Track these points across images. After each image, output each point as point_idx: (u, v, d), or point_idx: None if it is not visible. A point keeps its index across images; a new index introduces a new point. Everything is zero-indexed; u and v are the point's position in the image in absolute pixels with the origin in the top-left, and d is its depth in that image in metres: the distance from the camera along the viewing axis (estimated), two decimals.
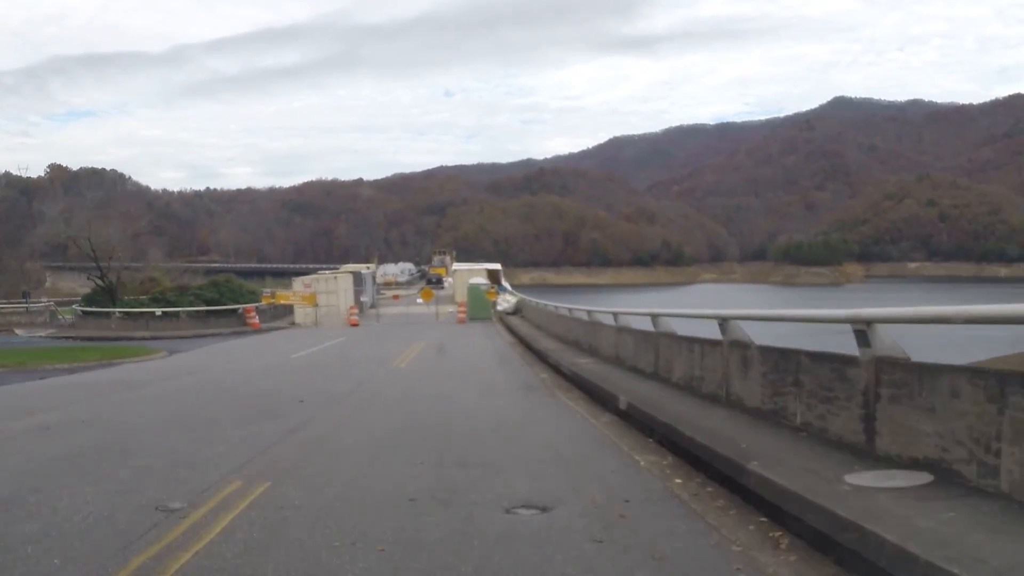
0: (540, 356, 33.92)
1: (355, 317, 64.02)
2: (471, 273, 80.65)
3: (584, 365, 26.21)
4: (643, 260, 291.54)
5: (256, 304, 67.32)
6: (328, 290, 67.72)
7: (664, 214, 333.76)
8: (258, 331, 61.96)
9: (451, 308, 72.21)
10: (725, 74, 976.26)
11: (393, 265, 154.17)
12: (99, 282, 70.53)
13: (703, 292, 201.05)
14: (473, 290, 67.83)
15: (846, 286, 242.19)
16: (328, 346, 43.76)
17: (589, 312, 32.23)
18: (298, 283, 69.48)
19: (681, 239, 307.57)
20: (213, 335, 58.06)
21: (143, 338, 56.41)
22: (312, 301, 65.20)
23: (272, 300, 67.64)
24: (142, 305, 66.36)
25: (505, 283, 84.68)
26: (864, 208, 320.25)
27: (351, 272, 75.46)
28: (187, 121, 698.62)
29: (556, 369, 28.66)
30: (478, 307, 66.45)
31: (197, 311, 64.98)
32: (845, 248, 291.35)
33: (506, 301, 68.44)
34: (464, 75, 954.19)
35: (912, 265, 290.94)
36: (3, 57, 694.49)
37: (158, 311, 63.91)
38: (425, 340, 45.69)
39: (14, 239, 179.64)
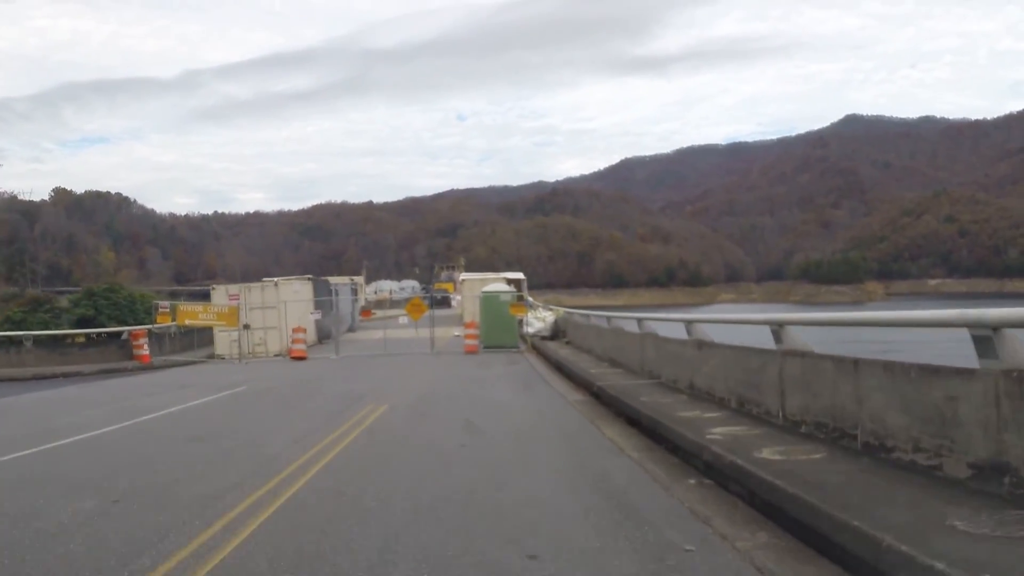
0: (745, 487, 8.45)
1: (301, 347, 38.30)
2: (484, 283, 53.56)
3: None
4: (659, 281, 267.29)
5: (151, 326, 40.66)
6: (265, 304, 41.70)
7: (679, 234, 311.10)
8: (148, 367, 37.83)
9: (456, 331, 47.48)
10: (737, 94, 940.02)
11: (391, 281, 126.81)
12: None
13: (739, 312, 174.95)
14: (489, 301, 41.60)
15: (868, 304, 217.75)
16: (153, 419, 19.12)
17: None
18: (220, 293, 43.28)
19: (697, 259, 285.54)
20: (66, 376, 34.60)
21: None
22: (232, 321, 39.25)
23: (169, 319, 40.64)
24: None
25: (529, 297, 58.49)
26: (881, 225, 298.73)
27: (309, 280, 48.88)
28: (200, 147, 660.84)
29: None
30: (498, 328, 40.52)
31: (55, 336, 39.33)
32: (865, 266, 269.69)
33: (539, 319, 43.16)
34: (477, 98, 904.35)
35: (932, 282, 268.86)
36: (16, 83, 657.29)
37: None
38: (388, 402, 20.81)
39: (16, 262, 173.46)
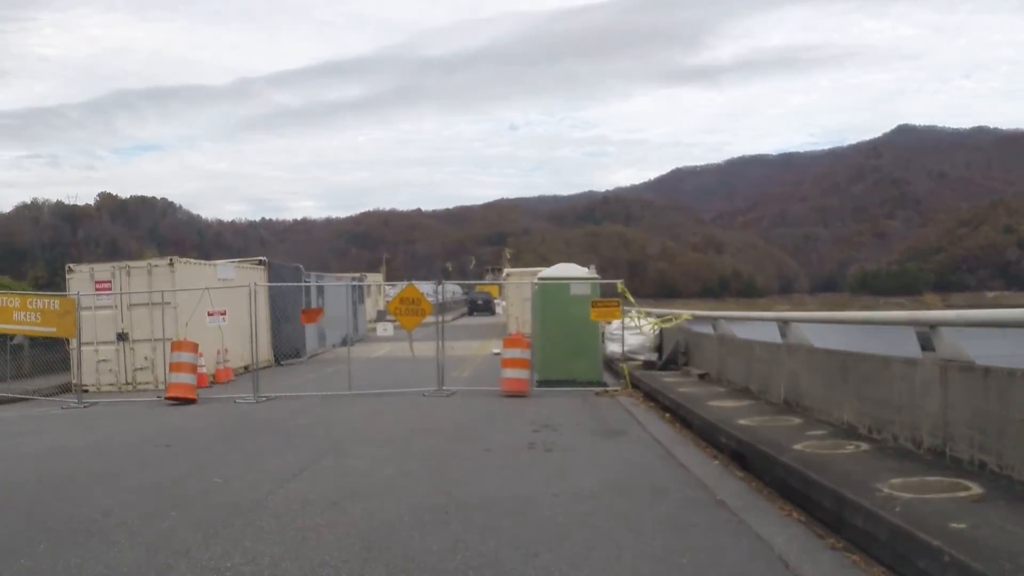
0: None
1: (184, 378, 19.78)
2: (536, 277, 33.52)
3: None
4: (713, 291, 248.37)
5: None
6: (155, 299, 23.06)
7: (731, 244, 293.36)
8: None
9: (493, 347, 30.32)
10: (788, 104, 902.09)
11: (423, 282, 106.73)
12: None
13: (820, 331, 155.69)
14: (551, 296, 22.09)
15: None
16: None
17: None
18: (81, 277, 24.84)
19: (750, 269, 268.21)
20: None
21: None
22: (64, 327, 20.71)
23: None
24: None
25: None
26: (938, 236, 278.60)
27: (261, 264, 30.09)
28: (252, 155, 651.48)
29: None
30: (566, 346, 21.47)
31: None
32: (923, 277, 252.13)
33: (636, 330, 23.77)
34: (528, 108, 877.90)
35: (990, 295, 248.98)
36: (69, 91, 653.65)
37: None
38: None
39: (58, 265, 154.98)
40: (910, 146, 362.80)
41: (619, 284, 21.27)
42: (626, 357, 22.12)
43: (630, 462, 11.39)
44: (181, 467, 11.63)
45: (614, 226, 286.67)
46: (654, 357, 22.99)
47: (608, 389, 19.97)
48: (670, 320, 23.21)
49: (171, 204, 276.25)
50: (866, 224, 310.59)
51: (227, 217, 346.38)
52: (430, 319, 22.58)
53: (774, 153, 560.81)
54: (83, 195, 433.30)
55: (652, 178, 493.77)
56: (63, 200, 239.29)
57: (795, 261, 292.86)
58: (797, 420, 12.38)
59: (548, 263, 63.17)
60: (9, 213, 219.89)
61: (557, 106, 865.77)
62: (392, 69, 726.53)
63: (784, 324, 14.77)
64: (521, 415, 16.17)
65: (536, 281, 23.39)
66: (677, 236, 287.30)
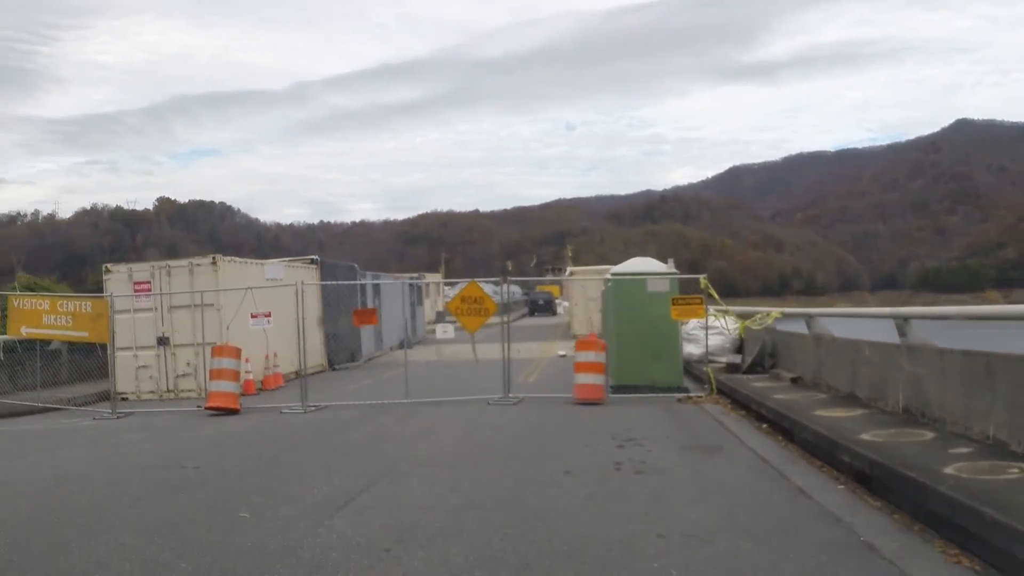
0: None
1: (227, 386, 18.56)
2: (602, 275, 31.53)
3: None
4: (773, 290, 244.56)
5: None
6: (197, 300, 21.53)
7: (790, 242, 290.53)
8: None
9: (562, 349, 28.92)
10: (846, 100, 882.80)
11: (482, 281, 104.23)
12: None
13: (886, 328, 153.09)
14: (624, 293, 20.00)
15: None
16: None
17: None
18: (119, 278, 23.69)
19: (811, 267, 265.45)
20: None
21: None
22: (96, 332, 20.20)
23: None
24: None
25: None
26: (999, 231, 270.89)
27: (313, 262, 28.66)
28: (309, 158, 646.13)
29: None
30: (642, 348, 19.35)
31: None
32: (985, 273, 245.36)
33: (718, 330, 21.79)
34: (584, 107, 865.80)
35: None
36: (127, 97, 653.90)
37: None
38: None
39: None
40: (970, 140, 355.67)
41: (702, 279, 19.30)
42: (710, 359, 20.23)
43: (739, 488, 9.54)
44: (206, 496, 9.90)
45: (673, 225, 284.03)
46: (737, 359, 21.03)
47: (691, 395, 18.15)
48: (757, 319, 21.14)
49: (229, 208, 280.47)
50: (926, 220, 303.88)
51: (286, 220, 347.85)
52: (493, 319, 20.86)
53: (832, 149, 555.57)
54: (142, 200, 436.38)
55: (709, 176, 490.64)
56: (122, 205, 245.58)
57: (855, 258, 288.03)
58: (929, 434, 10.45)
59: (608, 262, 60.87)
60: (70, 218, 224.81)
61: (613, 105, 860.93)
62: (448, 71, 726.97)
63: (904, 321, 12.79)
64: (600, 427, 14.42)
65: (609, 277, 21.51)
66: (736, 234, 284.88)
